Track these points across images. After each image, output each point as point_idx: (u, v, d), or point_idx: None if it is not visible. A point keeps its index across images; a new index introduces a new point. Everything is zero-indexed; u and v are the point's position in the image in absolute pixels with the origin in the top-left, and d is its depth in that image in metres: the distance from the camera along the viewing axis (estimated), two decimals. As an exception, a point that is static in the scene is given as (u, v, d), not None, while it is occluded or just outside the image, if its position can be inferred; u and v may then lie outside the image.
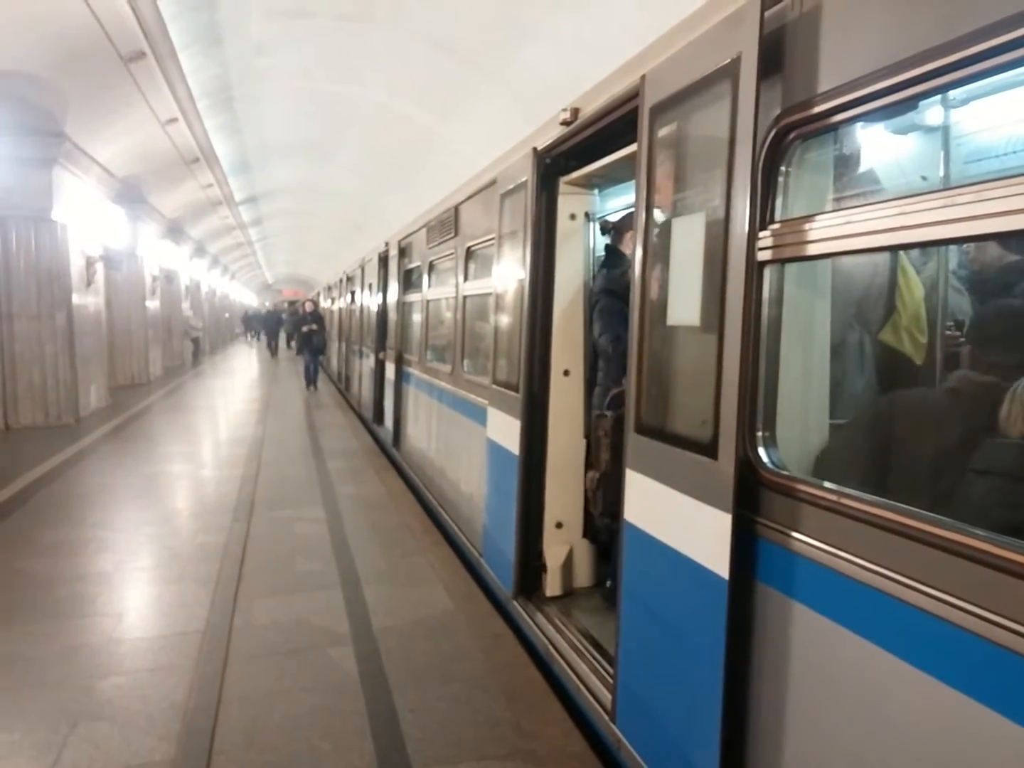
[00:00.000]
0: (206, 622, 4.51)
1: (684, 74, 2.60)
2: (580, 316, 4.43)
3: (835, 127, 2.15)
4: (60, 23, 7.97)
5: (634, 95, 3.02)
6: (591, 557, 4.59)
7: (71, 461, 9.21)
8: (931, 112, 2.60)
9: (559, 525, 4.48)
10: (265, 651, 4.15)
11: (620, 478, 3.07)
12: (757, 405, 2.31)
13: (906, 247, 2.49)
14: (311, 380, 18.13)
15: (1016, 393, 2.02)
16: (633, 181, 3.07)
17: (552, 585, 4.42)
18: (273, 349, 31.74)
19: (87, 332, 12.80)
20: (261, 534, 6.32)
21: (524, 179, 4.39)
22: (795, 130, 2.20)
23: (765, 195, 2.25)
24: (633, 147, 3.08)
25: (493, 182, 5.17)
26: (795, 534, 2.13)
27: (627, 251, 4.10)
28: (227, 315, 43.32)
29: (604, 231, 4.36)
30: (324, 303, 26.33)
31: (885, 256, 2.70)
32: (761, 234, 2.24)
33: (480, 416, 5.35)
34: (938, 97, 2.34)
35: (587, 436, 4.39)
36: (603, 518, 4.00)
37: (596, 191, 4.45)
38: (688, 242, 2.60)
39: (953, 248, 2.87)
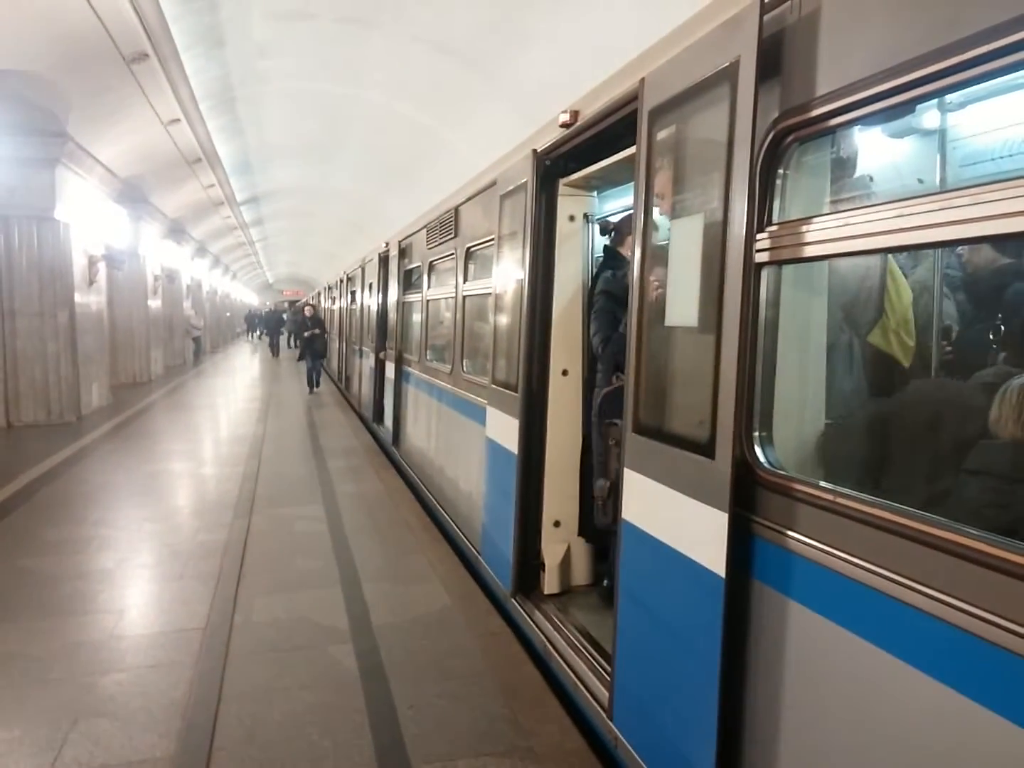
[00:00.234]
0: (206, 619, 4.53)
1: (683, 77, 2.62)
2: (579, 317, 4.45)
3: (832, 130, 2.17)
4: (63, 24, 7.99)
5: (633, 98, 3.04)
6: (589, 555, 4.62)
7: (73, 459, 9.23)
8: (928, 116, 2.62)
9: (557, 524, 4.50)
10: (265, 648, 4.18)
11: None
12: (754, 405, 2.33)
13: (902, 249, 2.52)
14: (313, 383, 17.80)
15: (1006, 395, 2.04)
16: (632, 183, 3.09)
17: (550, 583, 4.45)
18: (275, 349, 31.74)
19: (89, 330, 12.84)
20: (261, 532, 6.35)
21: (524, 181, 4.42)
22: (793, 133, 2.21)
23: (763, 197, 2.27)
24: (632, 149, 3.10)
25: (493, 183, 5.19)
26: (791, 533, 2.14)
27: (627, 253, 4.11)
28: (228, 314, 43.34)
29: (604, 232, 4.38)
30: (324, 303, 26.34)
31: (875, 260, 2.72)
32: (759, 236, 2.26)
33: (479, 415, 5.37)
34: (935, 101, 2.36)
35: (585, 436, 4.42)
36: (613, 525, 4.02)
37: (595, 193, 4.47)
38: (686, 244, 2.61)
39: (943, 252, 2.89)
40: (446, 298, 7.16)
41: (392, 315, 10.16)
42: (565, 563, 4.51)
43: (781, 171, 2.27)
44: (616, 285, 4.03)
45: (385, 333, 10.88)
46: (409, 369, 8.99)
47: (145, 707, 3.55)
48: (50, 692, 3.68)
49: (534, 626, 4.16)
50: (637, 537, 2.91)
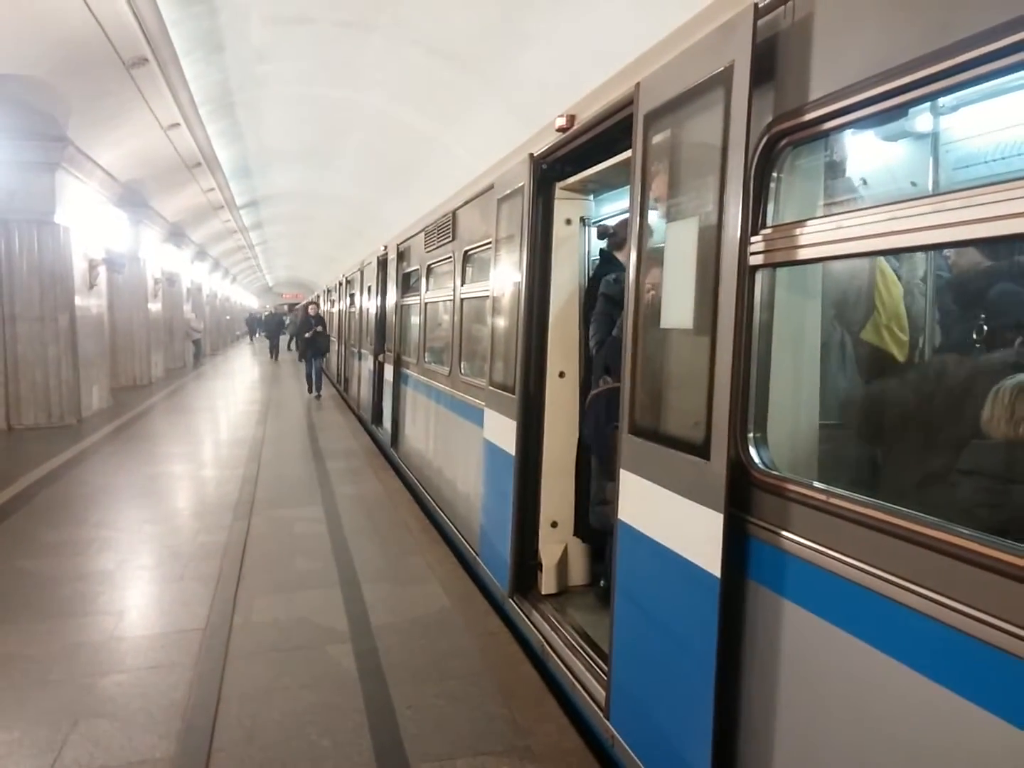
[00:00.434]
0: (206, 620, 4.55)
1: (678, 82, 2.64)
2: (575, 319, 4.47)
3: (826, 134, 2.18)
4: (63, 29, 8.02)
5: (629, 102, 3.06)
6: (585, 556, 4.63)
7: (73, 461, 9.25)
8: (920, 119, 2.63)
9: (554, 524, 4.52)
10: (265, 648, 4.19)
11: None
12: (749, 407, 2.34)
13: (896, 252, 2.53)
14: (315, 385, 17.00)
15: (998, 395, 2.06)
16: (628, 186, 3.12)
17: (547, 583, 4.47)
18: (274, 352, 31.72)
19: (89, 334, 12.86)
20: (261, 533, 6.36)
21: (521, 184, 4.44)
22: (787, 137, 2.23)
23: (757, 201, 2.29)
24: (628, 153, 3.12)
25: (490, 187, 5.21)
26: (786, 533, 2.16)
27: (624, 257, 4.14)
28: (228, 317, 43.36)
29: (602, 236, 4.40)
30: (323, 306, 26.34)
31: (865, 260, 2.74)
32: (753, 239, 2.28)
33: (477, 417, 5.39)
34: (927, 104, 2.38)
35: (582, 437, 4.44)
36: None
37: (592, 196, 4.49)
38: (682, 246, 2.63)
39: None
40: (444, 301, 7.18)
41: (390, 318, 10.18)
42: (562, 563, 4.53)
43: (775, 175, 2.29)
44: (616, 289, 4.05)
45: (384, 336, 10.90)
46: (407, 371, 9.01)
47: (145, 708, 3.56)
48: (50, 693, 3.69)
49: (532, 626, 4.18)
50: (633, 538, 2.93)
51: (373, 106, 12.34)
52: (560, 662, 3.76)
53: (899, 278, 2.88)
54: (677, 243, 2.69)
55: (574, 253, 4.48)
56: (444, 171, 12.27)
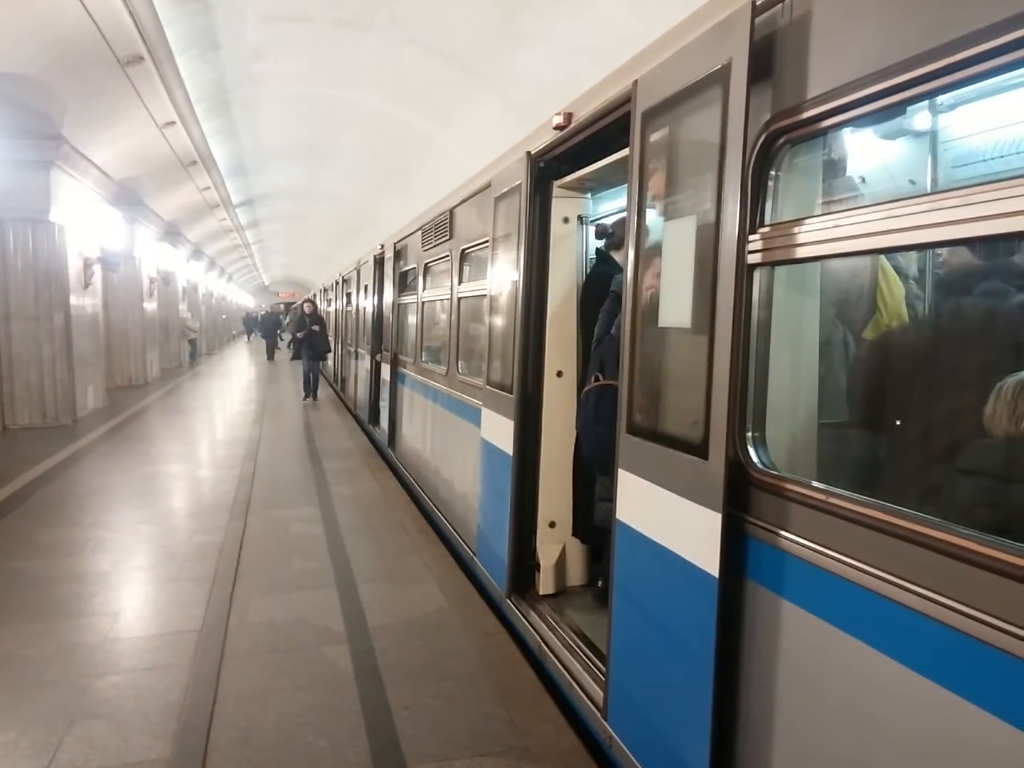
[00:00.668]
0: (202, 621, 4.53)
1: (675, 79, 2.63)
2: (573, 318, 4.46)
3: (824, 132, 2.18)
4: (58, 27, 7.99)
5: (626, 100, 3.05)
6: (583, 556, 4.63)
7: (68, 461, 9.22)
8: (919, 117, 2.62)
9: (552, 524, 4.51)
10: (261, 649, 4.18)
11: None
12: (747, 406, 2.33)
13: (894, 250, 2.52)
14: (311, 389, 16.10)
15: (1001, 392, 2.05)
16: (625, 185, 3.11)
17: (545, 584, 4.46)
18: (270, 352, 31.60)
19: (84, 333, 12.82)
20: (257, 534, 6.34)
21: (518, 182, 4.43)
22: (785, 135, 2.22)
23: (755, 199, 2.28)
24: (625, 151, 3.11)
25: (487, 185, 5.20)
26: (784, 533, 2.15)
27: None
28: (224, 316, 43.29)
29: (600, 237, 4.38)
30: (320, 305, 26.28)
31: (866, 258, 2.73)
32: (751, 237, 2.27)
33: (474, 417, 5.38)
34: (926, 102, 2.37)
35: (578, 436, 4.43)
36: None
37: (589, 195, 4.48)
38: (679, 245, 2.63)
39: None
40: (441, 300, 7.17)
41: (388, 317, 10.17)
42: (560, 564, 4.52)
43: (773, 173, 2.28)
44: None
45: (381, 335, 10.88)
46: (404, 371, 9.00)
47: (141, 709, 3.55)
48: (45, 695, 3.68)
49: (529, 626, 4.17)
50: (631, 537, 2.92)
51: (370, 104, 12.32)
52: (558, 662, 3.75)
53: (907, 276, 2.87)
54: (675, 241, 2.68)
55: (571, 251, 4.47)
56: (441, 169, 12.26)
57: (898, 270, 2.85)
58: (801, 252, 2.13)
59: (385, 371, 10.17)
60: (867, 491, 2.02)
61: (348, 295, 16.50)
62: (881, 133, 2.59)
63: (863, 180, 2.58)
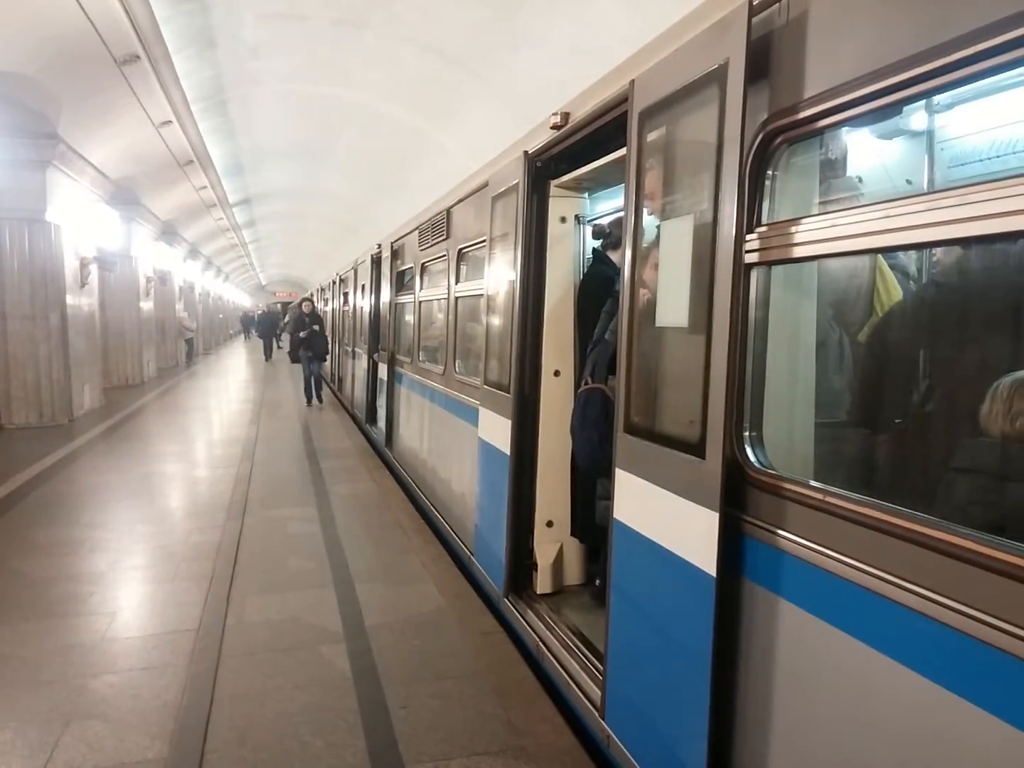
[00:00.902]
0: (199, 620, 4.53)
1: (673, 79, 2.63)
2: (570, 317, 4.46)
3: (821, 131, 2.18)
4: (54, 26, 7.96)
5: (623, 100, 3.05)
6: (581, 555, 4.63)
7: (65, 461, 9.20)
8: (916, 117, 2.63)
9: (549, 524, 4.51)
10: (258, 649, 4.18)
11: None
12: (744, 405, 2.34)
13: (891, 250, 2.53)
14: (313, 393, 15.36)
15: (997, 391, 2.06)
16: (622, 184, 3.11)
17: (543, 583, 4.46)
18: (268, 352, 31.51)
19: (81, 333, 12.79)
20: (254, 533, 6.34)
21: (515, 182, 4.43)
22: (782, 135, 2.23)
23: (752, 199, 2.28)
24: (623, 151, 3.11)
25: (485, 185, 5.20)
26: (782, 532, 2.16)
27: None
28: (221, 316, 43.21)
29: (597, 236, 4.37)
30: (317, 304, 26.24)
31: (864, 259, 2.74)
32: (748, 237, 2.27)
33: (471, 416, 5.38)
34: (923, 102, 2.38)
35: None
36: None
37: (586, 194, 4.48)
38: (676, 244, 2.63)
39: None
40: (438, 299, 7.17)
41: (385, 316, 10.16)
42: (557, 563, 4.52)
43: (770, 172, 2.29)
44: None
45: (378, 334, 10.88)
46: (402, 370, 8.99)
47: (137, 709, 3.54)
48: (42, 694, 3.67)
49: (527, 626, 4.17)
50: (629, 537, 2.92)
51: (366, 103, 12.30)
52: (555, 662, 3.75)
53: (905, 276, 2.88)
54: (672, 241, 2.68)
55: (569, 251, 4.48)
56: (438, 169, 12.25)
57: (895, 270, 2.85)
58: (798, 252, 2.13)
59: (382, 370, 10.16)
60: (864, 490, 2.03)
61: (345, 295, 16.48)
62: (878, 133, 2.60)
63: (860, 180, 2.59)
